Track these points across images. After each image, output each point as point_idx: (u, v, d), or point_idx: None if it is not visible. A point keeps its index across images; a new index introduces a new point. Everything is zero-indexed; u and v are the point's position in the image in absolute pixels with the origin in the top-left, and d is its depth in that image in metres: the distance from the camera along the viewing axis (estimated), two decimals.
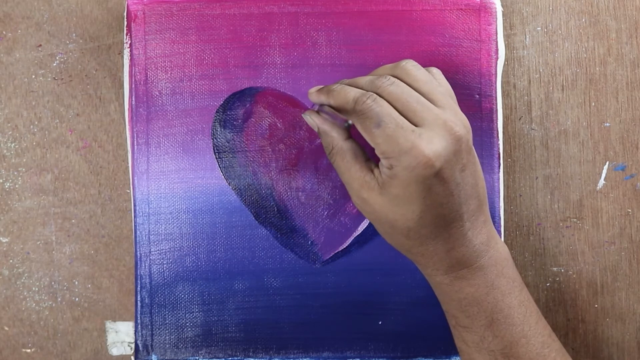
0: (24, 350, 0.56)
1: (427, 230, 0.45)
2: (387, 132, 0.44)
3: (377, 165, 0.46)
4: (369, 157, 0.47)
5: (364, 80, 0.47)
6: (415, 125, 0.44)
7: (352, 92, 0.46)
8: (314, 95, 0.49)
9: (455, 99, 0.47)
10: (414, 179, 0.43)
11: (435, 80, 0.47)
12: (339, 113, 0.47)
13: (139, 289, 0.54)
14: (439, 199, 0.44)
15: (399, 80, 0.46)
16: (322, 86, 0.49)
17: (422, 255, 0.47)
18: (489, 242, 0.47)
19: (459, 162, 0.44)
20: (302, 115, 0.49)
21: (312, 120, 0.48)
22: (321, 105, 0.48)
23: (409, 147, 0.43)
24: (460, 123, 0.45)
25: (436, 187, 0.44)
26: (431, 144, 0.43)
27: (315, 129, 0.49)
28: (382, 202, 0.45)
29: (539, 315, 0.48)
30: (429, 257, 0.47)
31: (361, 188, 0.46)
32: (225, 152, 0.54)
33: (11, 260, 0.55)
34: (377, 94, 0.45)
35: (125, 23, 0.54)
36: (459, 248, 0.46)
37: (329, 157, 0.48)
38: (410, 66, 0.47)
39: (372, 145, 0.45)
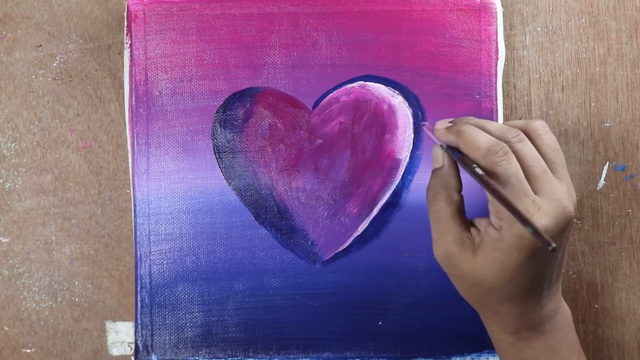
0: (24, 350, 0.55)
1: (509, 293, 0.45)
2: (511, 192, 0.43)
3: (473, 224, 0.46)
4: (465, 214, 0.47)
5: (493, 126, 0.46)
6: (534, 191, 0.44)
7: (483, 139, 0.45)
8: (442, 133, 0.47)
9: (568, 175, 0.47)
10: (518, 248, 0.43)
11: (561, 150, 0.47)
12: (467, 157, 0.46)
13: (139, 289, 0.54)
14: (531, 269, 0.44)
15: (528, 140, 0.45)
16: (449, 122, 0.48)
17: (493, 313, 0.47)
18: (557, 309, 0.47)
19: (560, 239, 0.45)
20: (433, 146, 0.48)
21: (439, 157, 0.47)
22: (449, 146, 0.47)
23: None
24: (572, 201, 0.45)
25: (533, 258, 0.44)
26: (545, 219, 0.43)
27: (435, 166, 0.47)
28: (472, 261, 0.45)
29: None
30: (500, 316, 0.47)
31: (454, 243, 0.46)
32: (225, 152, 0.54)
33: (11, 261, 0.55)
34: None
35: (126, 23, 0.54)
36: (530, 313, 0.46)
37: (432, 197, 0.47)
38: (542, 127, 0.46)
39: (490, 199, 0.44)
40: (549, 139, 0.46)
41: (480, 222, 0.46)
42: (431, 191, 0.47)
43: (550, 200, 0.44)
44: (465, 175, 0.46)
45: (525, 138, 0.46)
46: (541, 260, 0.44)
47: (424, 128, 0.52)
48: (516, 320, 0.46)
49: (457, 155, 0.46)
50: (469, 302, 0.48)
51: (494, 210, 0.44)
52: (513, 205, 0.41)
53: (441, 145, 0.47)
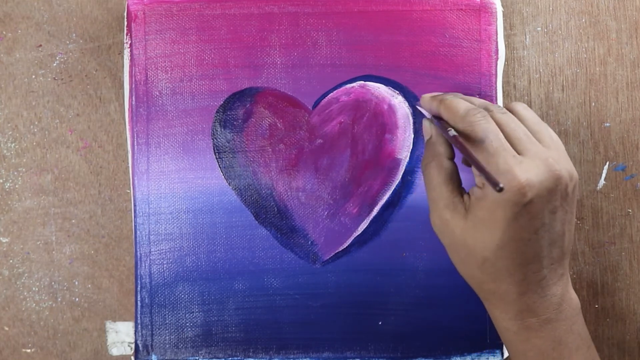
0: (24, 350, 0.56)
1: (503, 265, 0.44)
2: (489, 149, 0.44)
3: (467, 192, 0.46)
4: (461, 183, 0.47)
5: (477, 101, 0.48)
6: (518, 154, 0.44)
7: (463, 104, 0.46)
8: (427, 101, 0.49)
9: (564, 148, 0.47)
10: (502, 203, 0.43)
11: (545, 124, 0.47)
12: (447, 123, 0.47)
13: (139, 289, 0.54)
14: (522, 232, 0.43)
15: (510, 113, 0.47)
16: (436, 93, 0.49)
17: (492, 294, 0.46)
18: (563, 296, 0.46)
19: (551, 202, 0.44)
20: (423, 119, 0.50)
21: (428, 128, 0.49)
22: (433, 116, 0.49)
23: (505, 170, 0.43)
24: (563, 164, 0.44)
25: (522, 218, 0.43)
26: (528, 173, 0.43)
27: (427, 137, 0.49)
28: (464, 226, 0.45)
29: None
30: (500, 297, 0.46)
31: (446, 208, 0.46)
32: (225, 152, 0.54)
33: (11, 261, 0.55)
34: None
35: (126, 23, 0.54)
36: (531, 294, 0.45)
37: (424, 167, 0.48)
38: (521, 107, 0.48)
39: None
40: (530, 114, 0.47)
41: (473, 189, 0.46)
42: (424, 161, 0.48)
43: (534, 158, 0.43)
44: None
45: (508, 112, 0.47)
46: (530, 224, 0.43)
47: (416, 106, 0.53)
48: (517, 301, 0.45)
49: (438, 122, 0.47)
50: (469, 282, 0.47)
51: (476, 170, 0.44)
52: (474, 156, 0.43)
53: (430, 118, 0.49)
